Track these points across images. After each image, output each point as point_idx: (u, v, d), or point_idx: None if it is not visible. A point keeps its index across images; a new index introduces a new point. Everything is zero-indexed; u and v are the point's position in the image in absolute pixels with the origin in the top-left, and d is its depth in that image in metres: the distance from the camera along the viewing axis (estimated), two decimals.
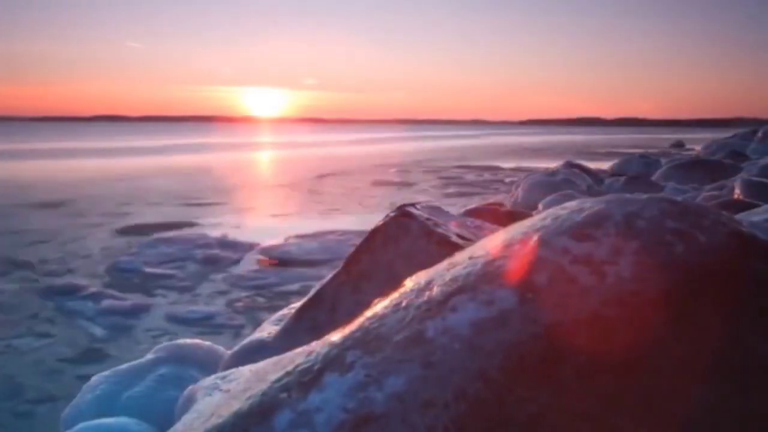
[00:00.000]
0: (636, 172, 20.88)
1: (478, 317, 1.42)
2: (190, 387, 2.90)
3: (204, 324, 7.34)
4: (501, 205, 10.07)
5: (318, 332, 3.51)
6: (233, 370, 2.74)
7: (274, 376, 1.53)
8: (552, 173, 18.46)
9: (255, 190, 20.27)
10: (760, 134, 29.23)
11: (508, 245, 1.65)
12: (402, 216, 3.41)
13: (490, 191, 20.13)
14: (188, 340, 5.88)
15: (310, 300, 3.58)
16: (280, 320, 3.92)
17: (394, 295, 1.71)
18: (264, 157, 41.81)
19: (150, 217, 13.92)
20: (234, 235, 11.34)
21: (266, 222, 13.82)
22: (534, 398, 1.32)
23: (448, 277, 1.61)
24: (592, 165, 21.81)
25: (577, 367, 1.34)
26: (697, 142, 51.51)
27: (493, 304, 1.44)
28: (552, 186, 16.49)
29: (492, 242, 1.74)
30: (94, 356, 6.44)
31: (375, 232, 3.46)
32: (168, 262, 9.73)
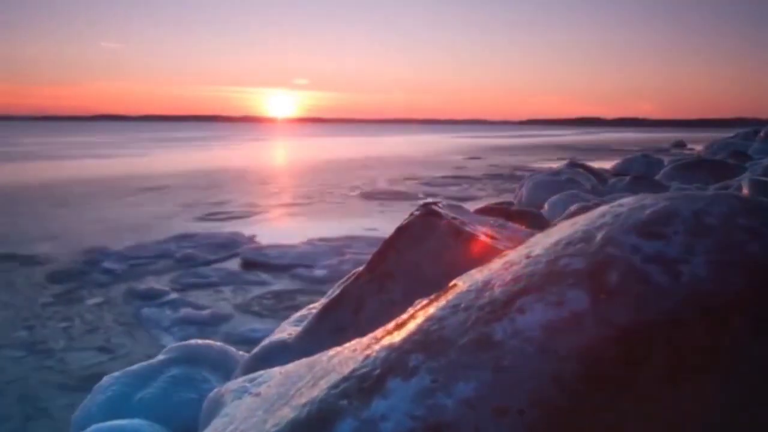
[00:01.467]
0: (638, 171, 20.81)
1: (548, 319, 1.34)
2: (215, 390, 2.82)
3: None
4: (510, 204, 9.98)
5: (342, 333, 3.43)
6: (261, 372, 2.66)
7: (329, 381, 1.45)
8: (556, 173, 18.40)
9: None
10: (762, 134, 29.19)
11: (569, 243, 1.58)
12: (428, 214, 3.33)
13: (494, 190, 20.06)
14: (200, 341, 5.79)
15: (333, 300, 3.50)
16: (300, 321, 3.84)
17: (448, 296, 1.63)
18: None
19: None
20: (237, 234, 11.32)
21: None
22: (613, 405, 1.25)
23: (508, 277, 1.53)
24: (593, 164, 21.75)
25: (658, 372, 1.27)
26: (697, 142, 51.50)
27: (564, 305, 1.36)
28: (556, 186, 16.40)
29: (550, 240, 1.67)
30: None
31: (400, 230, 3.38)
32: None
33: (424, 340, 1.42)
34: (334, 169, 28.45)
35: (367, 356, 1.46)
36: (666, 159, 24.40)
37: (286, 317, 5.09)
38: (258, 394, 2.38)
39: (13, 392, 5.75)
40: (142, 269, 9.25)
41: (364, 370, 1.41)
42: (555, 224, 1.97)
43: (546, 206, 13.25)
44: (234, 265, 9.45)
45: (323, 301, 4.41)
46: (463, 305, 1.50)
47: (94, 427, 4.45)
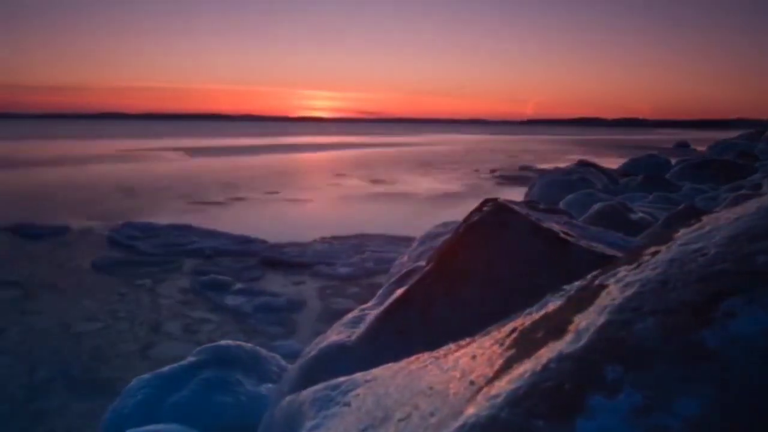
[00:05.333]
0: (647, 171, 20.68)
1: None
2: (289, 397, 2.61)
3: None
4: (536, 203, 9.79)
5: (408, 335, 3.24)
6: (342, 379, 2.45)
7: (500, 396, 1.26)
8: (567, 172, 18.24)
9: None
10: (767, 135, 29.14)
11: (752, 239, 1.39)
12: (501, 210, 3.14)
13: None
14: (231, 342, 5.58)
15: (397, 301, 3.30)
16: (354, 322, 3.63)
17: (612, 297, 1.45)
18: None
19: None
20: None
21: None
22: None
23: (691, 277, 1.35)
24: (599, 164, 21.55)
25: None
26: (698, 142, 51.46)
27: None
28: (569, 185, 16.24)
29: (715, 236, 1.48)
30: None
31: (471, 228, 3.18)
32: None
33: (611, 349, 1.23)
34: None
35: (544, 367, 1.27)
36: (672, 159, 24.29)
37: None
38: (348, 404, 2.18)
39: None
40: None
41: (547, 384, 1.22)
42: (698, 220, 1.78)
43: (561, 205, 13.06)
44: (254, 263, 9.25)
45: (374, 302, 4.20)
46: (646, 308, 1.31)
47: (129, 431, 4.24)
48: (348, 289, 8.04)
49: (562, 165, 22.65)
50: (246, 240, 10.13)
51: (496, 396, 1.27)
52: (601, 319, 1.36)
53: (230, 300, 7.66)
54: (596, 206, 9.66)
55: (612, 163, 24.71)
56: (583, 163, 19.60)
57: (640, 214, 9.66)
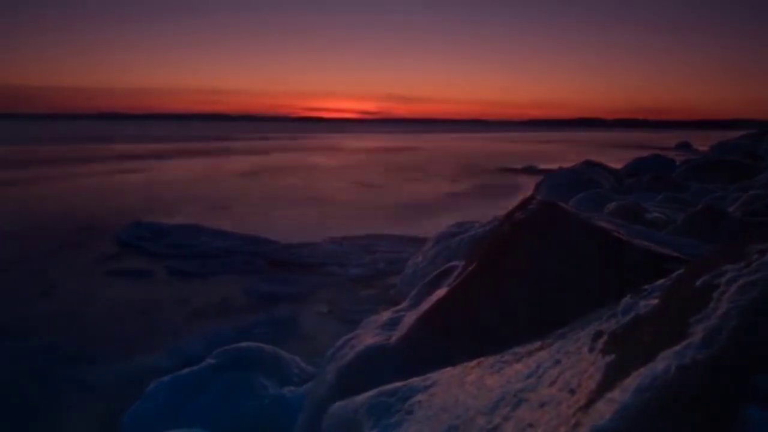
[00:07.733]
0: (652, 171, 20.56)
1: None
2: (338, 404, 2.48)
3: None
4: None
5: (452, 338, 3.12)
6: (397, 385, 2.32)
7: (621, 411, 1.15)
8: (574, 172, 18.11)
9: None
10: None
11: None
12: (549, 208, 3.03)
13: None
14: (251, 344, 5.45)
15: (439, 302, 3.17)
16: (390, 324, 3.51)
17: (729, 295, 1.34)
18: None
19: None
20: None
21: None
22: None
23: None
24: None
25: None
26: (699, 143, 51.39)
27: None
28: (577, 184, 16.12)
29: None
30: None
31: (517, 226, 3.06)
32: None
33: (758, 355, 1.13)
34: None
35: (676, 375, 1.16)
36: (677, 159, 24.18)
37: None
38: (411, 412, 2.06)
39: None
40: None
41: (687, 393, 1.11)
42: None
43: (571, 204, 12.97)
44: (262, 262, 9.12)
45: (408, 303, 4.09)
46: None
47: None
48: (361, 290, 7.93)
49: (566, 165, 22.54)
50: (256, 240, 9.99)
51: (626, 408, 1.16)
52: (732, 323, 1.25)
53: (241, 301, 7.54)
54: (611, 205, 9.57)
55: (614, 163, 24.62)
56: (589, 163, 19.52)
57: (655, 214, 9.56)
